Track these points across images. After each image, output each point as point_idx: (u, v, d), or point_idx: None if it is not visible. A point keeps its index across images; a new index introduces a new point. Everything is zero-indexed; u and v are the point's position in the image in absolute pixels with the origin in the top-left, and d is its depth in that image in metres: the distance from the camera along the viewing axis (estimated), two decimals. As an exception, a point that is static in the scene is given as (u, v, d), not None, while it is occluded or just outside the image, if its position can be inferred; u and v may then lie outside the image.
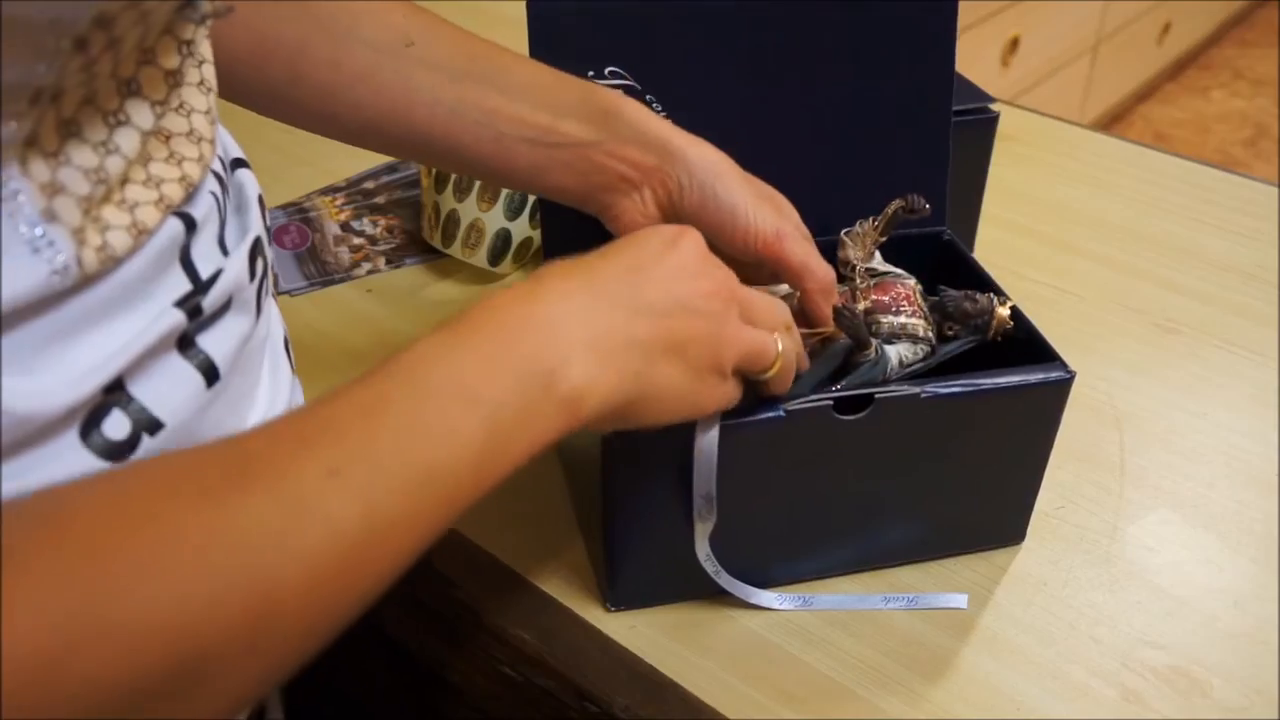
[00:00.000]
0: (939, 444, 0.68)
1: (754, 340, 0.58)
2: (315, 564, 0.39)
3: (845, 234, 0.75)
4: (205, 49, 0.52)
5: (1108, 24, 3.07)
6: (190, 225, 0.48)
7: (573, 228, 0.73)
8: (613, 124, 0.66)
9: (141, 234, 0.44)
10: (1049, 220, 1.10)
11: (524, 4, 0.72)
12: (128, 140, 0.45)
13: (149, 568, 0.36)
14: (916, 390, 0.66)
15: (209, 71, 0.52)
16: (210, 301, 0.48)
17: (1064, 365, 0.68)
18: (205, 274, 0.49)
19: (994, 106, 0.96)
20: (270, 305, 0.58)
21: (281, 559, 0.38)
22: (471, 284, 0.99)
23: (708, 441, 0.62)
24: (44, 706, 0.33)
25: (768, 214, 0.67)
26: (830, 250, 0.76)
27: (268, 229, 0.57)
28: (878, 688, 0.66)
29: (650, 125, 0.66)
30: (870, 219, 0.74)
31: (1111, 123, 3.39)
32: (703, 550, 0.67)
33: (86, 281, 0.43)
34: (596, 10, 0.72)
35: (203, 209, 0.50)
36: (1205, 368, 0.92)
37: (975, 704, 0.65)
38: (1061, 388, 0.68)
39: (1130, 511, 0.78)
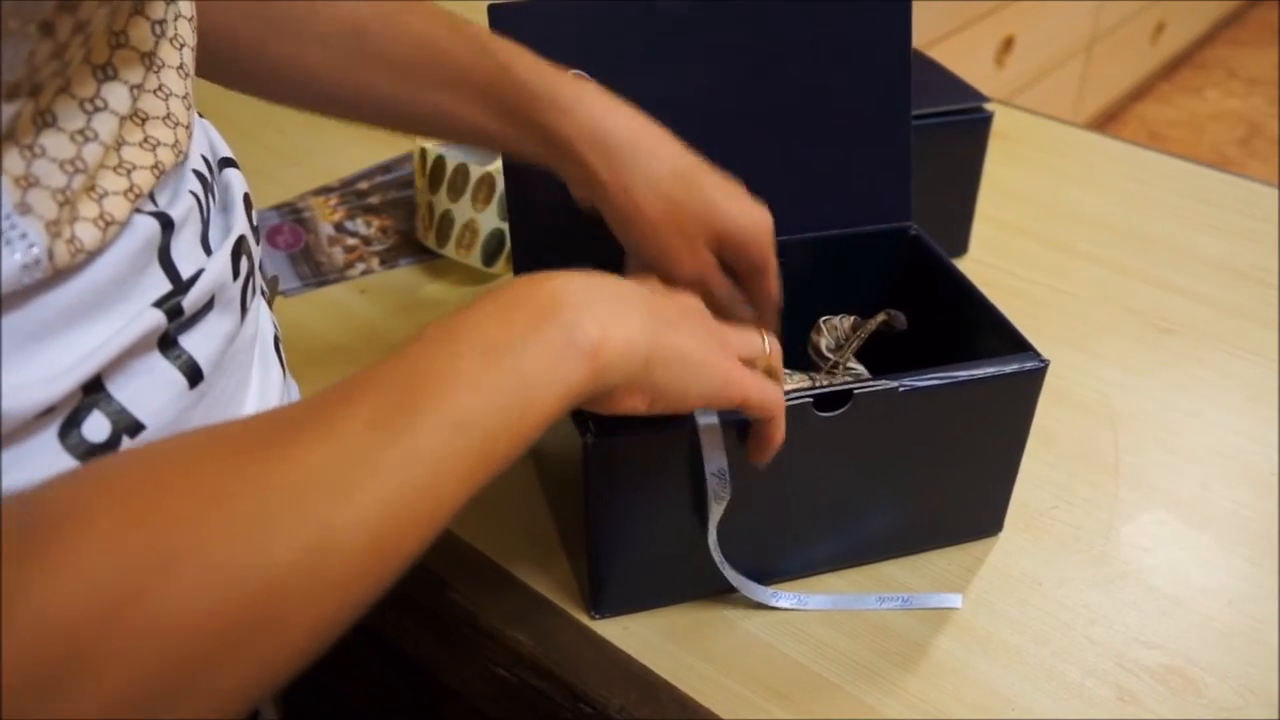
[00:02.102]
0: (918, 436, 0.69)
1: (741, 332, 0.61)
2: (368, 508, 0.40)
3: (823, 322, 0.77)
4: (184, 31, 0.51)
5: (1101, 23, 3.07)
6: (167, 225, 0.48)
7: (542, 229, 0.75)
8: (553, 145, 0.66)
9: (110, 226, 0.44)
10: (1044, 220, 1.10)
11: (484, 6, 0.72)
12: (105, 126, 0.44)
13: (212, 510, 0.37)
14: (895, 384, 0.66)
15: (189, 56, 0.51)
16: (191, 301, 0.48)
17: (1037, 355, 0.69)
18: (186, 274, 0.49)
19: (988, 106, 0.96)
20: (258, 305, 0.58)
21: (336, 502, 0.39)
22: (466, 284, 0.99)
23: (706, 417, 0.63)
24: (126, 647, 0.34)
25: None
26: (792, 249, 0.78)
27: (254, 228, 0.57)
28: (871, 687, 0.66)
29: (600, 129, 0.65)
30: (851, 318, 0.76)
31: (1106, 122, 3.40)
32: (713, 537, 0.67)
33: (58, 276, 0.42)
34: (556, 11, 0.72)
35: (181, 208, 0.49)
36: (1201, 367, 0.92)
37: (970, 704, 0.65)
38: (1035, 376, 0.69)
39: (1125, 511, 0.78)
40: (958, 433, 0.70)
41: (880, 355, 0.77)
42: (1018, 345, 0.70)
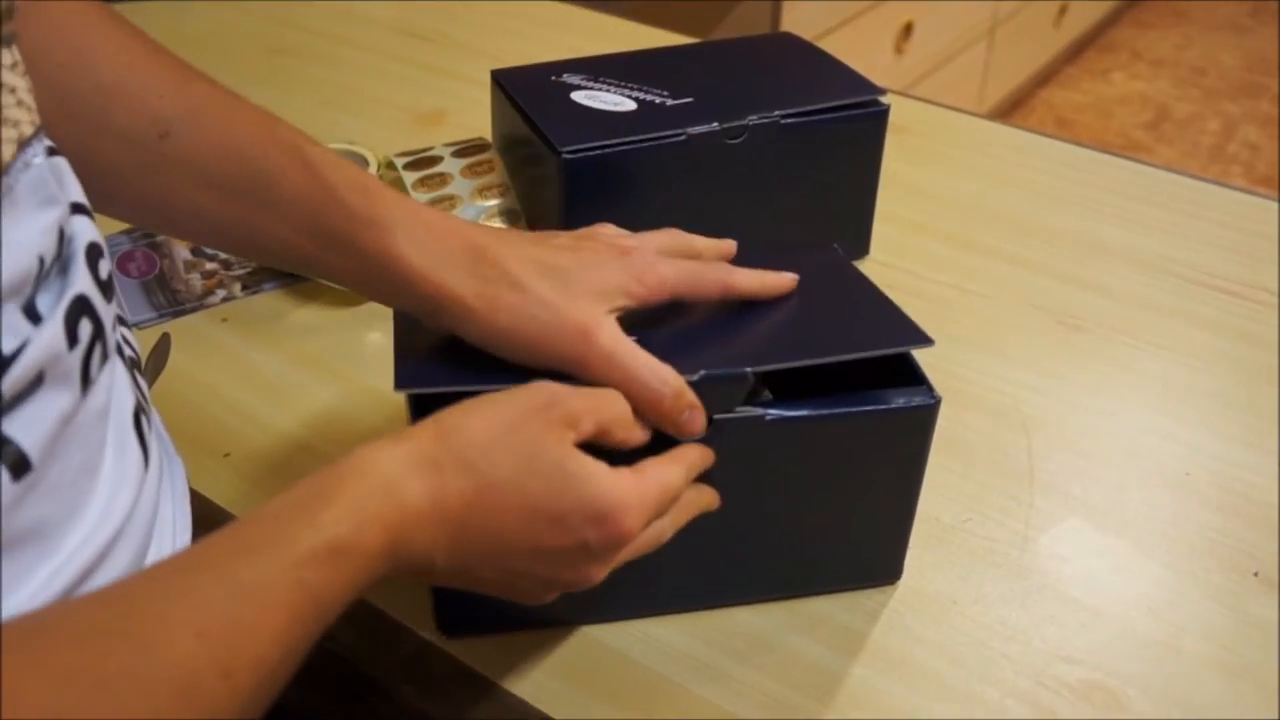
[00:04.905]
0: (791, 472, 0.67)
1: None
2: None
3: None
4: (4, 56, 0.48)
5: (1003, 6, 3.13)
6: None
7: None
8: (376, 270, 0.64)
9: None
10: (948, 217, 1.12)
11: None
12: None
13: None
14: (760, 413, 0.65)
15: (17, 81, 0.48)
16: (11, 382, 0.44)
17: (930, 390, 0.67)
18: (8, 349, 0.44)
19: (885, 98, 0.97)
20: (111, 374, 0.53)
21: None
22: (334, 308, 0.98)
23: None
24: None
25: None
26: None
27: (102, 282, 0.52)
28: (784, 722, 0.66)
29: (413, 267, 0.64)
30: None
31: (1012, 108, 3.46)
32: None
33: None
34: None
35: (12, 272, 0.45)
36: (1112, 365, 0.93)
37: (887, 733, 0.66)
38: (924, 415, 0.67)
39: (1040, 521, 0.79)
40: (838, 471, 0.68)
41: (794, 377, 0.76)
42: (914, 379, 0.68)
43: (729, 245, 0.74)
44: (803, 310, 0.70)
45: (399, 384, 0.63)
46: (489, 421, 0.57)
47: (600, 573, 0.60)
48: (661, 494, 0.60)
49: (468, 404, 0.58)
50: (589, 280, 0.64)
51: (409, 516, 0.53)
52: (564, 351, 0.62)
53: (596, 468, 0.58)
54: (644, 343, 0.64)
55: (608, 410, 0.60)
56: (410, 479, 0.54)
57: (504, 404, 0.58)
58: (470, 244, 0.64)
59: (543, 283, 0.63)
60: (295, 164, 0.64)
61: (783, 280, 0.71)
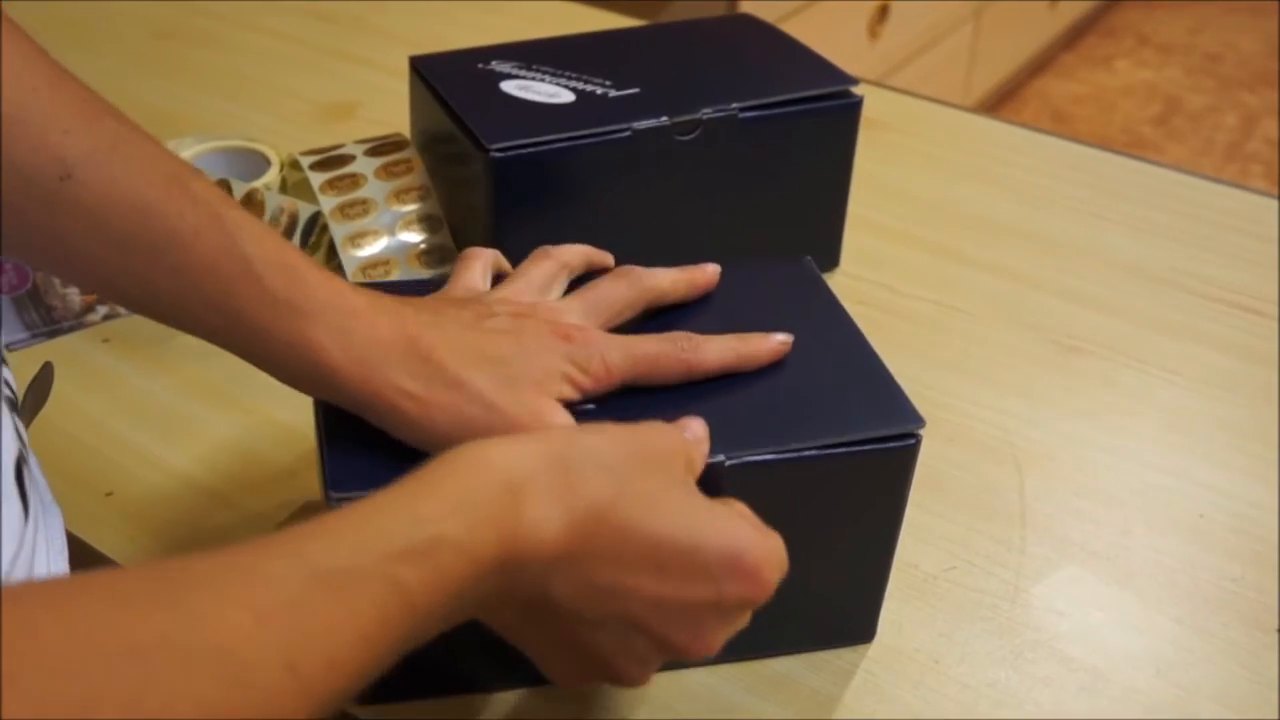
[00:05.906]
0: None
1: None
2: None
3: None
4: None
5: (992, -15, 3.15)
6: None
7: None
8: (292, 361, 0.64)
9: None
10: (929, 223, 1.12)
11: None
12: None
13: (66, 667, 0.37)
14: (720, 458, 0.64)
15: None
16: None
17: (913, 429, 0.67)
18: None
19: (858, 89, 0.97)
20: None
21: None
22: (234, 327, 0.97)
23: None
24: None
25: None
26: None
27: None
28: (744, 802, 0.66)
29: (335, 362, 0.63)
30: None
31: (1002, 101, 3.49)
32: None
33: None
34: None
35: None
36: (1115, 392, 0.94)
37: (861, 814, 0.66)
38: (905, 454, 0.68)
39: (1034, 569, 0.79)
40: (805, 519, 0.68)
41: None
42: (898, 412, 0.68)
43: (705, 276, 0.74)
44: (775, 366, 0.71)
45: (334, 486, 0.62)
46: (617, 439, 0.57)
47: (718, 642, 0.59)
48: (784, 556, 0.59)
49: (573, 426, 0.58)
50: (529, 370, 0.64)
51: (528, 525, 0.52)
52: None
53: (733, 513, 0.58)
54: (600, 415, 0.65)
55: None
56: (538, 478, 0.52)
57: (626, 429, 0.58)
58: (401, 335, 0.63)
59: (480, 376, 0.63)
60: (211, 229, 0.63)
61: (764, 349, 0.70)
